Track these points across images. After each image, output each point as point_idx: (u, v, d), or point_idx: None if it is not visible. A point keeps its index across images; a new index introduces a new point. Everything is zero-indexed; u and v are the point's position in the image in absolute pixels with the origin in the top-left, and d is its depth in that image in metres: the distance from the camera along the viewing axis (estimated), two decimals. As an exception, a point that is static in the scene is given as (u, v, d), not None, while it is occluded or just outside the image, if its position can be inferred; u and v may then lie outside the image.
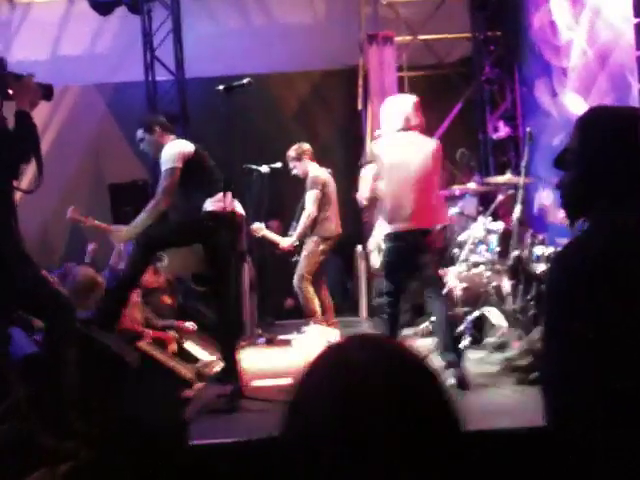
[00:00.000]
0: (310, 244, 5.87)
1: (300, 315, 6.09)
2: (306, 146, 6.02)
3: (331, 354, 0.90)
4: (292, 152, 5.95)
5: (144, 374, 4.27)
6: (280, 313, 7.57)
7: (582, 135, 1.66)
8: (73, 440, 3.02)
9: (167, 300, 5.75)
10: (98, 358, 3.96)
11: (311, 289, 5.75)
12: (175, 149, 4.30)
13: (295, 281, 5.79)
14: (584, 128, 1.67)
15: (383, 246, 4.46)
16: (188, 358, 4.80)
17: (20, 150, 3.05)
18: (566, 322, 1.50)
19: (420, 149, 4.20)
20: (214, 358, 4.88)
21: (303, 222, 5.77)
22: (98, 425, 3.36)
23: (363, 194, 4.76)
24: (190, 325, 5.39)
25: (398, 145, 4.22)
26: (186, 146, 4.34)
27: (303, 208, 5.87)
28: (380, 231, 4.64)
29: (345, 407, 0.81)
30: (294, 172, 5.97)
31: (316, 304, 5.74)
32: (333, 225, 5.97)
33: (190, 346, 4.95)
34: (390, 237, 4.23)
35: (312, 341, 5.41)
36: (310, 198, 5.81)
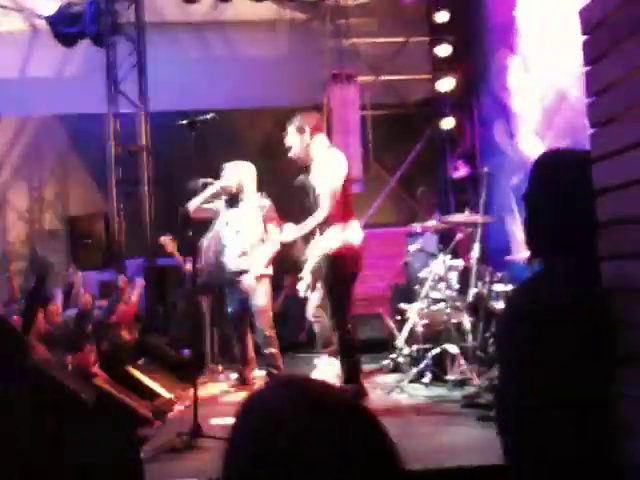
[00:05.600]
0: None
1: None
2: None
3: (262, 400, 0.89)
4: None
5: (100, 411, 4.16)
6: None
7: (532, 176, 1.71)
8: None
9: (126, 336, 5.64)
10: (53, 394, 3.85)
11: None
12: (341, 170, 4.43)
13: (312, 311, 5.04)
14: (534, 170, 1.71)
15: None
16: (146, 395, 4.69)
17: None
18: (517, 366, 1.53)
19: None
20: (173, 396, 4.79)
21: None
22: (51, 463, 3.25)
23: None
24: None
25: None
26: (344, 167, 4.45)
27: None
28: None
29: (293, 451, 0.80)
30: None
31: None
32: None
33: (149, 382, 4.85)
34: None
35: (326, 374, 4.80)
36: None
